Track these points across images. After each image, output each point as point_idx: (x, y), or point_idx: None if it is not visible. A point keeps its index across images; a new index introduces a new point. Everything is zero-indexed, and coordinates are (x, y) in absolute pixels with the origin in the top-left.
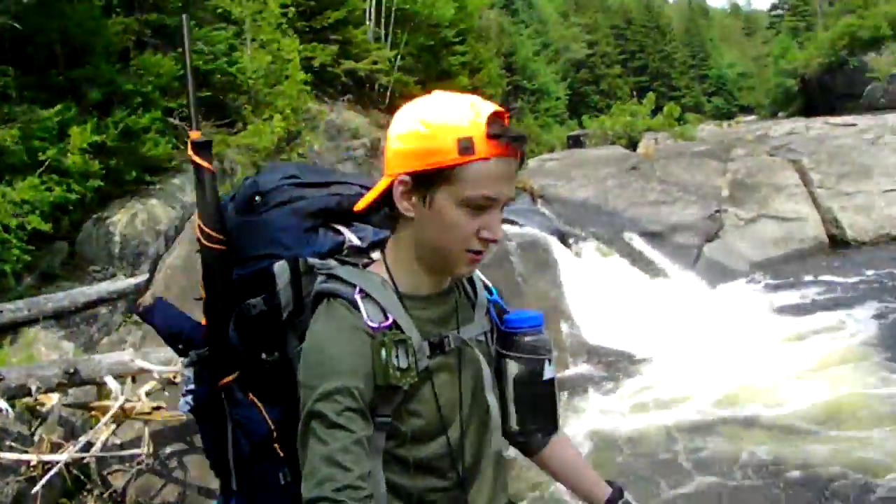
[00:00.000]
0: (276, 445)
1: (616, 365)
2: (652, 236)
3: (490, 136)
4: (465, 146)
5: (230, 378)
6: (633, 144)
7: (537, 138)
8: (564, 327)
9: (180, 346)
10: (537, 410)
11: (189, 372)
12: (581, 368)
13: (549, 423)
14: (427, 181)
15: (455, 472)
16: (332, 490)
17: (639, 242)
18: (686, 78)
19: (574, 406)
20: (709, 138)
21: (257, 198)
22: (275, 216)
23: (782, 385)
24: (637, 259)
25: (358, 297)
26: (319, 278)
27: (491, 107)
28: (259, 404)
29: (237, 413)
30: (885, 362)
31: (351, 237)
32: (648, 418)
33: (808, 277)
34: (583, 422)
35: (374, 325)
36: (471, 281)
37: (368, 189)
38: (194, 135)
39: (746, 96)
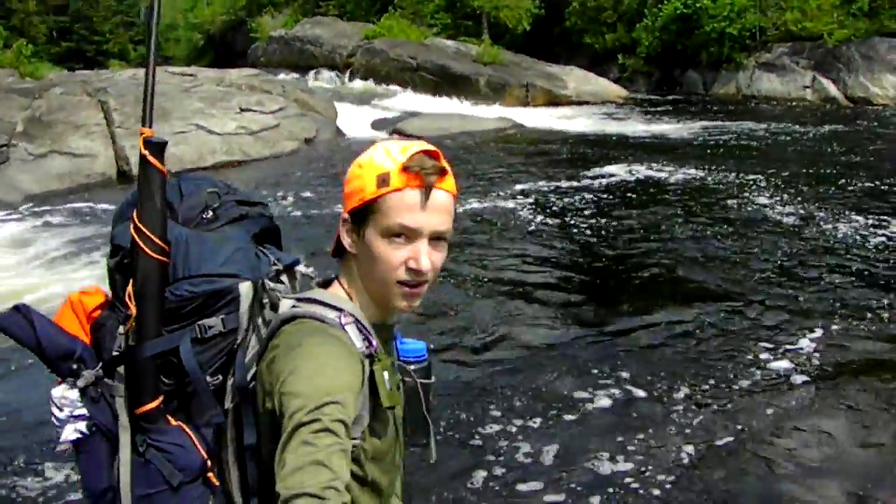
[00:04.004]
0: (210, 474)
1: None
2: None
3: (404, 169)
4: (383, 179)
5: (155, 403)
6: None
7: None
8: None
9: (74, 367)
10: (419, 428)
11: (74, 395)
12: None
13: (427, 439)
14: (360, 217)
15: (392, 485)
16: (318, 487)
17: None
18: (111, 23)
19: None
20: (69, 80)
21: (210, 211)
22: (231, 234)
23: None
24: None
25: (344, 322)
26: (287, 302)
27: (423, 147)
28: (188, 431)
29: (160, 441)
30: None
31: (273, 260)
32: None
33: (83, 205)
34: None
35: (364, 349)
36: None
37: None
38: (147, 132)
39: (172, 48)
